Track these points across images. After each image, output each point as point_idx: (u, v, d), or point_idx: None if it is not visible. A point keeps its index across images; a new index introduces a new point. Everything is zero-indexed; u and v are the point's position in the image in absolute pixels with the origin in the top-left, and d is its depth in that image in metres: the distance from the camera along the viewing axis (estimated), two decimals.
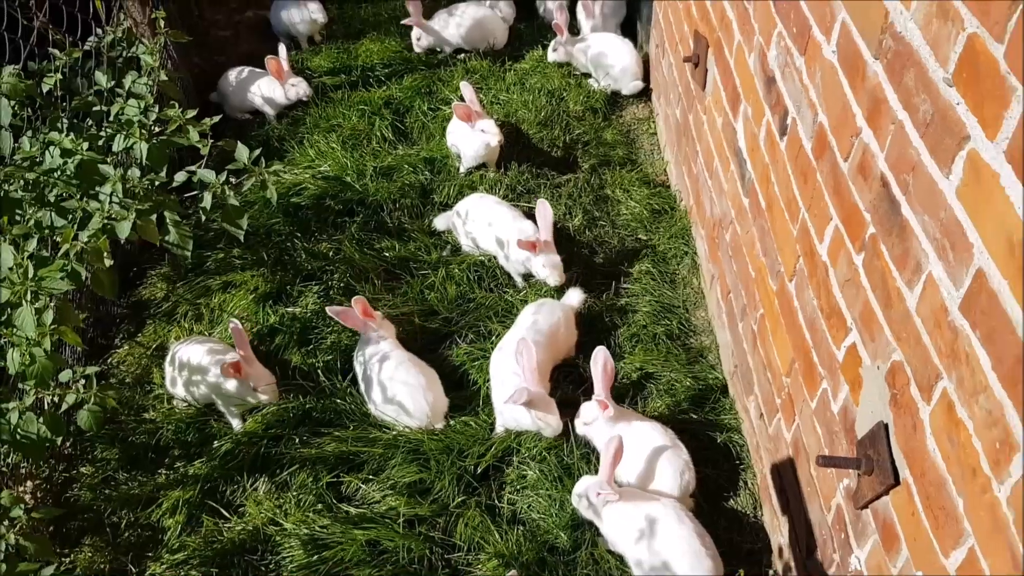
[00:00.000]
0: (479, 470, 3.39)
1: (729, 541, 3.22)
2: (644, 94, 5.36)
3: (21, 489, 3.45)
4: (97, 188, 3.17)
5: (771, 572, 3.17)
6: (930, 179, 1.84)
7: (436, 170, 4.82)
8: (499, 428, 3.49)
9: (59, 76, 3.60)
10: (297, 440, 3.50)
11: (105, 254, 3.05)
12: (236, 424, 3.64)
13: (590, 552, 3.14)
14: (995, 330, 1.62)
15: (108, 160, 3.39)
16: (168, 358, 3.75)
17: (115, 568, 3.27)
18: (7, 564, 2.50)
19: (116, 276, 3.15)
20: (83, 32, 4.26)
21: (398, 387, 3.46)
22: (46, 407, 2.76)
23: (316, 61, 5.80)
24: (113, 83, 3.64)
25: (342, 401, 3.60)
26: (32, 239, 2.85)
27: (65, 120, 3.51)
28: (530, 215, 4.11)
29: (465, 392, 3.68)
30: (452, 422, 3.53)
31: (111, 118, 3.53)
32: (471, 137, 4.56)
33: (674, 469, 3.17)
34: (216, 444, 3.55)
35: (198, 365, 3.59)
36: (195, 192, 3.48)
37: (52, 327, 2.63)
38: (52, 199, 3.13)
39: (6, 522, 2.58)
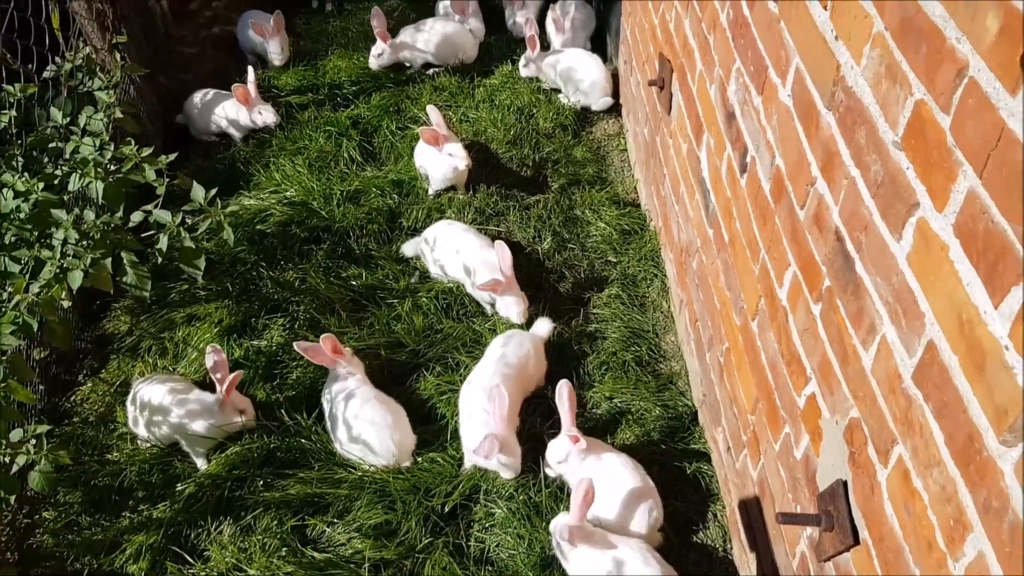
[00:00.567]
0: (446, 509, 3.34)
1: None
2: (614, 109, 5.32)
3: None
4: (52, 232, 3.11)
5: None
6: (882, 241, 1.80)
7: (404, 193, 4.77)
8: (467, 464, 3.45)
9: (13, 113, 3.52)
10: (261, 482, 3.44)
11: (63, 297, 2.99)
12: (201, 464, 3.59)
13: None
14: (947, 405, 1.58)
15: (64, 198, 3.33)
16: (130, 397, 3.69)
17: None
18: None
19: (71, 325, 3.09)
20: (40, 61, 4.18)
21: (364, 426, 3.41)
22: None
23: (283, 79, 5.72)
24: (68, 119, 3.56)
25: (307, 440, 3.55)
26: None
27: (20, 159, 3.44)
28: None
29: (433, 426, 3.63)
30: (419, 459, 3.49)
31: (67, 155, 3.46)
32: (439, 161, 4.51)
33: (643, 507, 3.14)
34: (180, 487, 3.49)
35: (159, 405, 3.53)
36: (153, 232, 3.42)
37: (2, 384, 2.57)
38: (6, 243, 3.07)
39: None
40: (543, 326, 3.81)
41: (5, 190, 3.20)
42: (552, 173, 4.88)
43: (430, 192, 4.72)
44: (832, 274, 2.09)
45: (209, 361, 3.52)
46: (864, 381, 1.95)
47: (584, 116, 5.33)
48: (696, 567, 3.23)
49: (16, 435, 2.73)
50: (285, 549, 3.25)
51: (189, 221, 3.33)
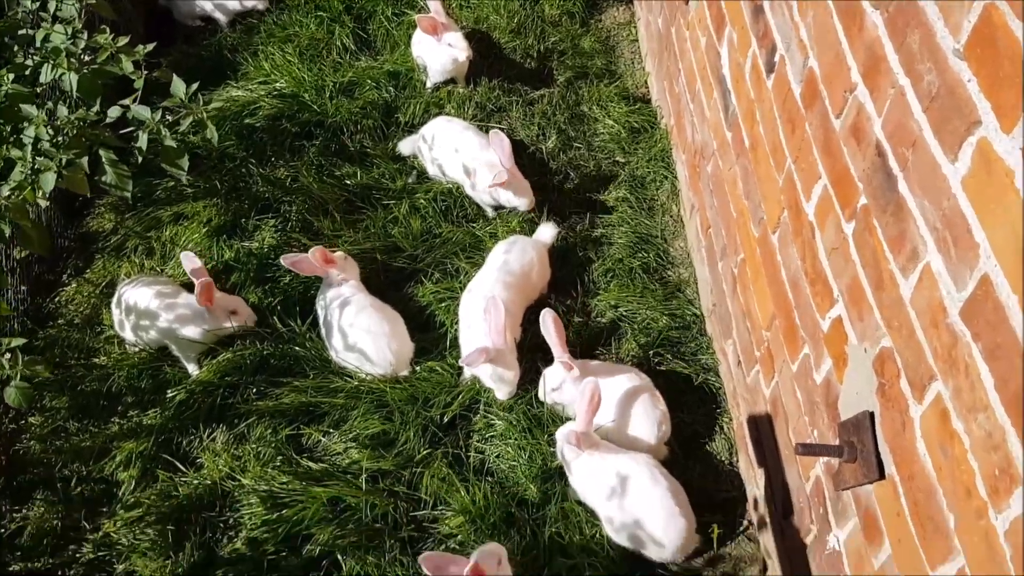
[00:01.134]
0: (445, 420, 3.25)
1: (703, 489, 3.12)
2: None
3: None
4: (23, 127, 2.89)
5: (746, 523, 3.09)
6: (933, 160, 1.62)
7: (401, 86, 4.50)
8: (467, 374, 3.34)
9: None
10: (254, 390, 3.34)
11: (38, 197, 2.80)
12: (192, 370, 3.48)
13: (560, 507, 3.03)
14: (1000, 347, 1.44)
15: (37, 90, 3.10)
16: (115, 299, 3.55)
17: (68, 525, 3.17)
18: None
19: (50, 226, 2.91)
20: None
21: (360, 334, 3.28)
22: None
23: None
24: (37, 4, 3.29)
25: (301, 348, 3.42)
26: None
27: None
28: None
29: (431, 335, 3.51)
30: (418, 368, 3.37)
31: (38, 44, 3.20)
32: (437, 51, 4.23)
33: (651, 421, 3.05)
34: (171, 393, 3.38)
35: (146, 309, 3.40)
36: (132, 128, 3.20)
37: None
38: None
39: None
40: (547, 231, 3.64)
41: None
42: (558, 65, 4.61)
43: (428, 85, 4.46)
44: (870, 192, 1.91)
45: (187, 267, 3.36)
46: (901, 310, 1.80)
47: (592, 2, 5.00)
48: (701, 479, 3.16)
49: None
50: (280, 458, 3.18)
51: (170, 118, 3.11)
